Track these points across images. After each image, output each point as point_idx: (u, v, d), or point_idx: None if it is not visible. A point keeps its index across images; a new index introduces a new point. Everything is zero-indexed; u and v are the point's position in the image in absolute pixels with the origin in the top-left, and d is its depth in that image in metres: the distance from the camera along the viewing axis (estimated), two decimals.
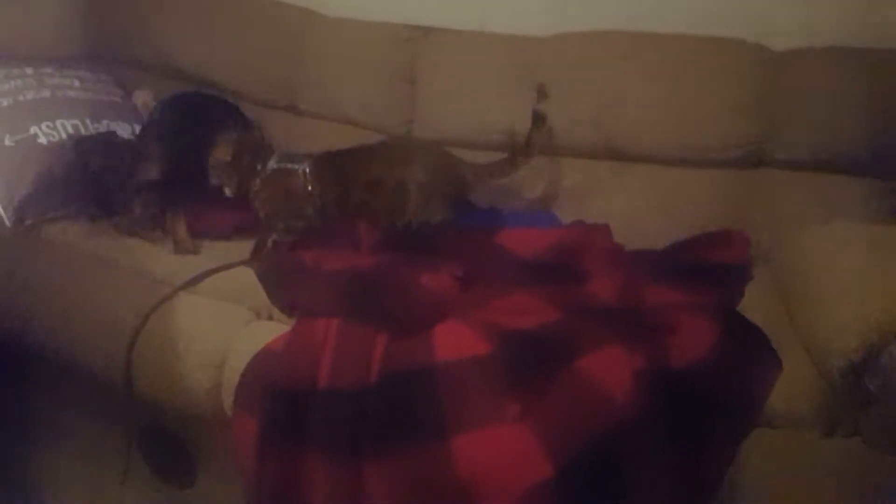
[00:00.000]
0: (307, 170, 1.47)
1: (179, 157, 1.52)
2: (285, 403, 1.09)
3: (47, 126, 1.56)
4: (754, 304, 1.21)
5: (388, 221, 1.45)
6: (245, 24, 1.85)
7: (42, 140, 1.54)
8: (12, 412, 1.44)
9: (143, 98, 1.81)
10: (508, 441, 0.99)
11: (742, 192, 1.51)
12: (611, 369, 1.03)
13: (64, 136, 1.57)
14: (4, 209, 1.48)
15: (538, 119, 1.45)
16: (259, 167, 1.47)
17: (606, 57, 1.59)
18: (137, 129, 1.70)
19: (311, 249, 1.38)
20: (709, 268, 1.34)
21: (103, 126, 1.64)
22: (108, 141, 1.59)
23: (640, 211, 1.54)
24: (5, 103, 1.56)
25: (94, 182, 1.52)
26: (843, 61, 1.45)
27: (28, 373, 1.41)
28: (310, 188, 1.46)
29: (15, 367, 1.41)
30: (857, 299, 1.04)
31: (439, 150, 1.56)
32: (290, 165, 1.48)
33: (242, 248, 1.45)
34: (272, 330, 1.21)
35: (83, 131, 1.60)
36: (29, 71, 1.64)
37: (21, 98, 1.58)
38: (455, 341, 1.10)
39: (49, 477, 1.41)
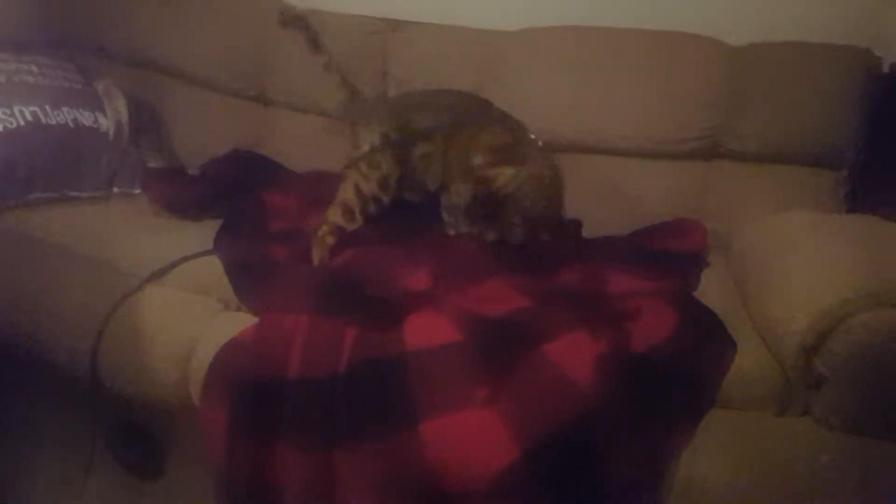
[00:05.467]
0: None
1: None
2: (254, 394, 1.09)
3: (3, 112, 1.52)
4: (710, 291, 1.26)
5: None
6: (215, 13, 1.83)
7: None
8: None
9: (104, 86, 1.78)
10: (476, 426, 1.01)
11: (698, 182, 1.56)
12: (574, 354, 1.06)
13: (22, 122, 1.53)
14: None
15: None
16: None
17: (569, 52, 1.62)
18: (99, 117, 1.67)
19: (283, 244, 1.38)
20: (667, 256, 1.38)
21: (63, 113, 1.60)
22: None
23: (597, 202, 1.57)
24: None
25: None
26: (797, 56, 1.50)
27: None
28: None
29: None
30: (809, 284, 1.09)
31: None
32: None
33: (211, 231, 1.43)
34: (240, 321, 1.20)
35: (43, 118, 1.56)
36: None
37: None
38: (426, 329, 1.12)
39: (11, 469, 1.39)
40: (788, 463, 1.02)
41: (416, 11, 1.77)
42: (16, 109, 1.54)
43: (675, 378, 1.06)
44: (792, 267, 1.17)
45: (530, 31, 1.65)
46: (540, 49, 1.63)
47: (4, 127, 1.51)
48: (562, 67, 1.60)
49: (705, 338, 1.11)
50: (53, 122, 1.59)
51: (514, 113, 1.48)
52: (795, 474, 1.01)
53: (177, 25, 1.85)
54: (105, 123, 1.68)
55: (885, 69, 1.48)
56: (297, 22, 1.61)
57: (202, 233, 1.43)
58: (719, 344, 1.11)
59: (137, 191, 1.66)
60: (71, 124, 1.61)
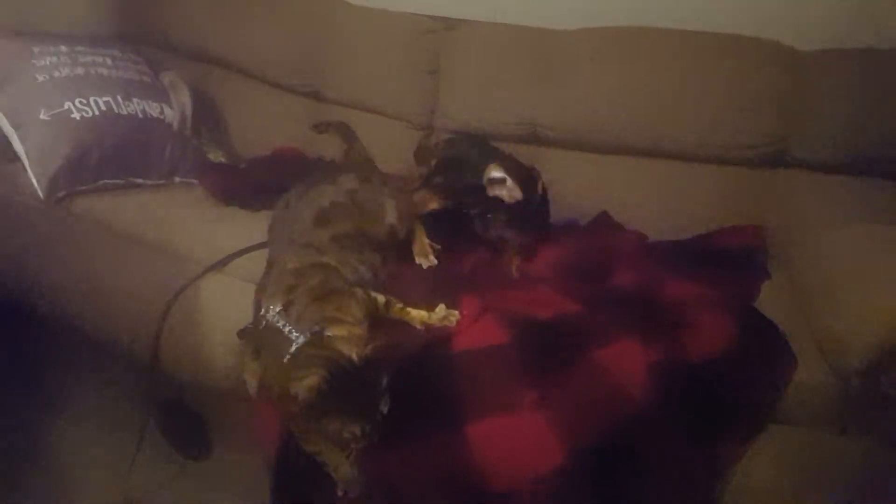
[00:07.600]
0: None
1: None
2: None
3: (80, 102, 1.58)
4: (771, 303, 1.22)
5: None
6: (273, 10, 1.87)
7: (75, 115, 1.56)
8: (34, 380, 1.49)
9: (171, 78, 1.84)
10: (523, 429, 1.01)
11: (760, 190, 1.52)
12: (626, 362, 1.05)
13: (97, 112, 1.59)
14: (38, 181, 1.51)
15: None
16: None
17: (626, 53, 1.59)
18: (165, 109, 1.73)
19: None
20: (725, 256, 1.35)
21: (133, 104, 1.66)
22: None
23: (653, 207, 1.54)
24: (41, 79, 1.58)
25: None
26: (866, 64, 1.45)
27: (46, 341, 1.45)
28: None
29: (39, 336, 1.45)
30: (874, 301, 1.05)
31: None
32: None
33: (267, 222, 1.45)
34: None
35: (115, 108, 1.63)
36: (63, 48, 1.67)
37: (56, 74, 1.61)
38: (474, 331, 1.12)
39: (63, 443, 1.44)
40: (850, 483, 0.98)
41: (470, 10, 1.76)
42: (91, 100, 1.61)
43: (731, 390, 1.04)
44: (857, 282, 1.12)
45: (588, 31, 1.63)
46: (598, 49, 1.60)
47: (82, 116, 1.58)
48: (620, 68, 1.57)
49: (764, 351, 1.08)
50: (124, 112, 1.65)
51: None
52: (857, 496, 0.97)
53: (237, 21, 1.90)
54: (170, 115, 1.74)
55: None
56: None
57: (260, 224, 1.44)
58: (779, 358, 1.08)
59: (197, 181, 1.71)
60: (140, 115, 1.67)
